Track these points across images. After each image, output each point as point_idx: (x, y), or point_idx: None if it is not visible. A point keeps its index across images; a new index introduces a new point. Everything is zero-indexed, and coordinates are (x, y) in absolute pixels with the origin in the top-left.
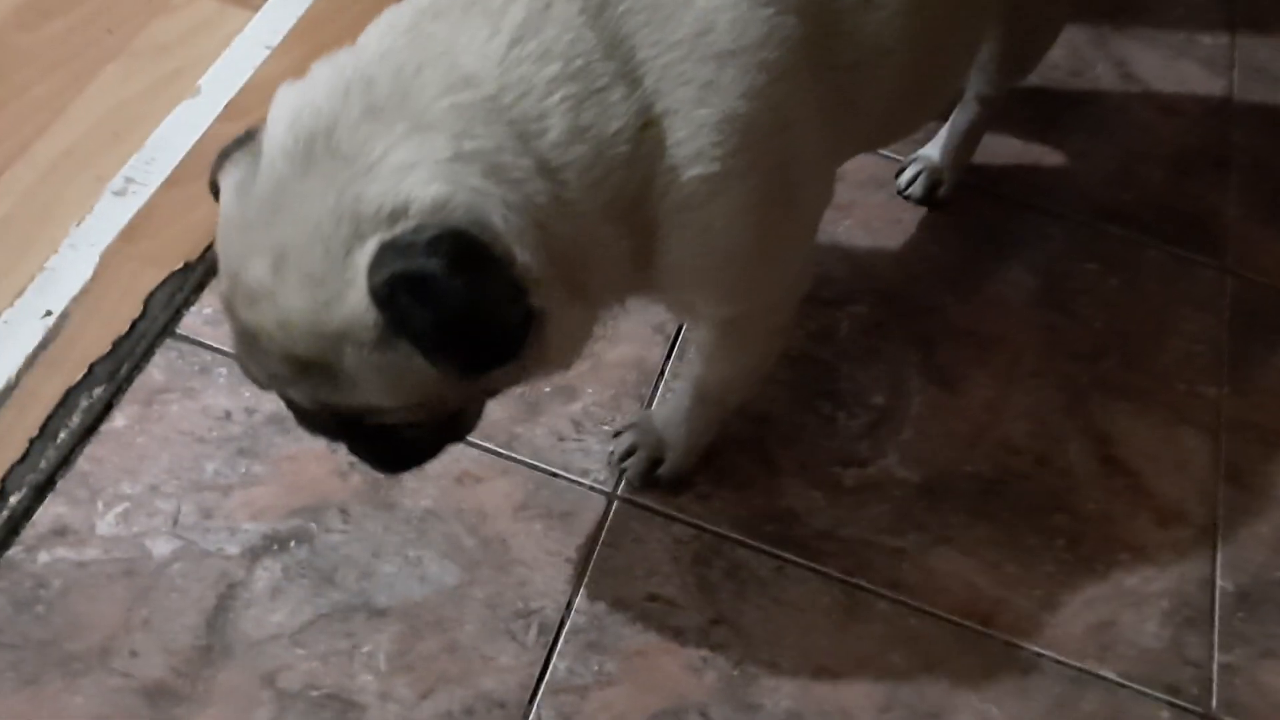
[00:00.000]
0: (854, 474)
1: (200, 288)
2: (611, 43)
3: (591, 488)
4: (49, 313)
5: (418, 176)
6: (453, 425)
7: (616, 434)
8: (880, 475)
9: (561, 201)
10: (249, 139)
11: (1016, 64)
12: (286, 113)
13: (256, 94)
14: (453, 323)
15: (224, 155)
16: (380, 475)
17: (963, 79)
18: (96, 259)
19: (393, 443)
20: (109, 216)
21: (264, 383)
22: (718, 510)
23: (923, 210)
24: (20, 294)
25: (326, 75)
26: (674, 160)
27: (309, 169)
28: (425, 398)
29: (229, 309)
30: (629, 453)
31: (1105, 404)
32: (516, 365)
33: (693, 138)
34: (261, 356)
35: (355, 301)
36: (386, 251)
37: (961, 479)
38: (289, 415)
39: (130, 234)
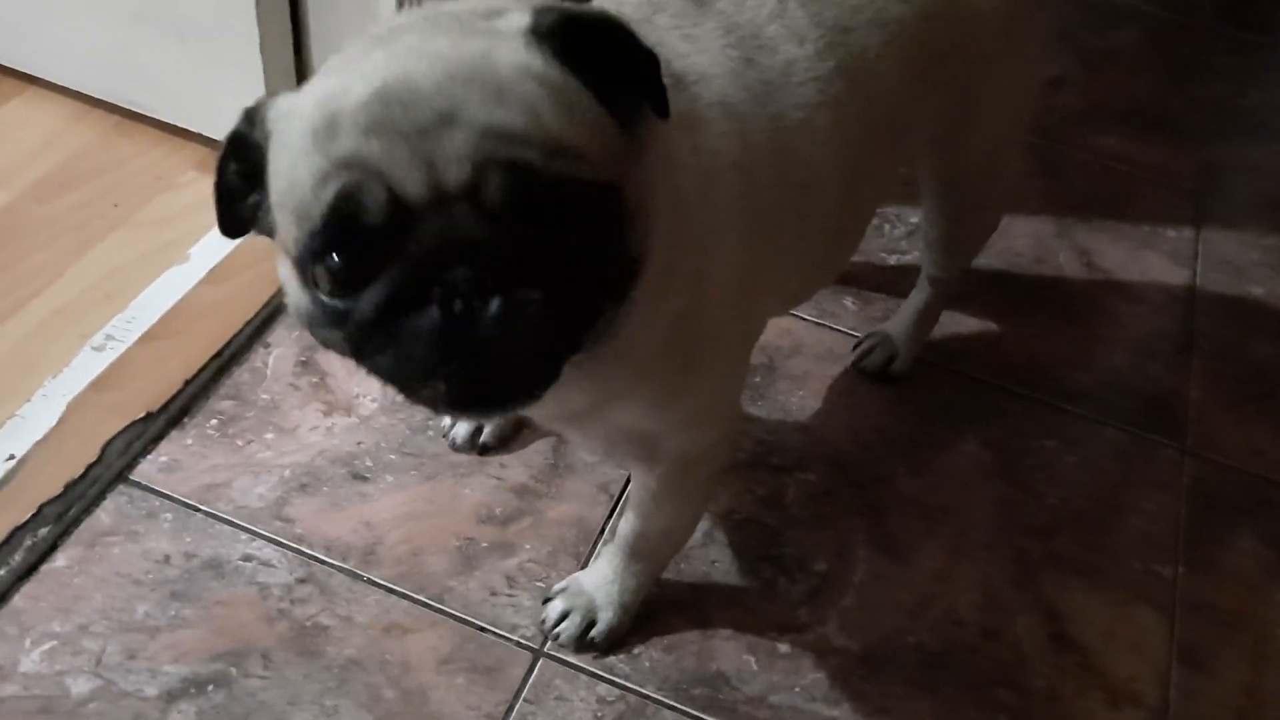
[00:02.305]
0: (790, 639)
1: (159, 438)
2: None
3: (519, 644)
4: (11, 456)
5: None
6: (607, 264)
7: (547, 599)
8: (818, 642)
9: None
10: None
11: (956, 246)
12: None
13: (239, 261)
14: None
15: (259, 109)
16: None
17: (854, 250)
18: (64, 408)
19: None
20: (83, 369)
21: (419, 182)
22: (646, 670)
23: (877, 384)
24: None
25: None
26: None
27: (436, 30)
28: (596, 145)
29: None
30: (561, 617)
31: (1058, 579)
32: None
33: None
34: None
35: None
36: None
37: (904, 649)
38: (227, 561)
39: (100, 385)
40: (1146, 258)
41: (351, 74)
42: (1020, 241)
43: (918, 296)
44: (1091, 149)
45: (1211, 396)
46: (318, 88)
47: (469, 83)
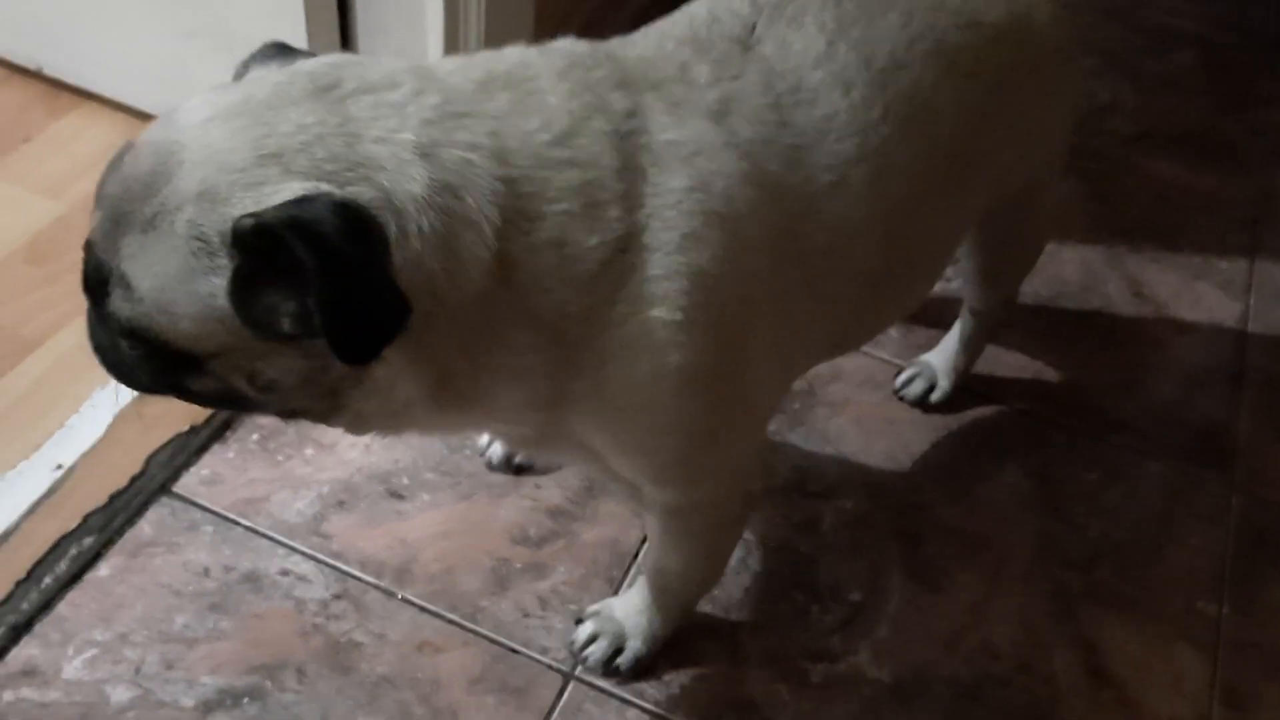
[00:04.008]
0: (823, 669)
1: (202, 450)
2: (626, 167)
3: (549, 665)
4: (60, 465)
5: (393, 159)
6: (179, 381)
7: (578, 620)
8: (850, 672)
9: (489, 293)
10: (283, 53)
11: (997, 277)
12: (339, 59)
13: None
14: (324, 280)
15: (263, 53)
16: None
17: (929, 287)
18: (111, 419)
19: (112, 339)
20: None
21: (92, 221)
22: (676, 696)
23: (918, 412)
24: (38, 447)
25: (391, 61)
26: (640, 293)
27: (320, 96)
28: (188, 334)
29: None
30: (590, 641)
31: (1096, 614)
32: (302, 360)
33: (665, 279)
34: (117, 182)
35: (232, 213)
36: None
37: (937, 681)
38: (265, 575)
39: (146, 398)
40: (1198, 288)
41: None
42: (1068, 269)
43: (960, 327)
44: (1143, 175)
45: (1262, 430)
46: None
47: (160, 204)
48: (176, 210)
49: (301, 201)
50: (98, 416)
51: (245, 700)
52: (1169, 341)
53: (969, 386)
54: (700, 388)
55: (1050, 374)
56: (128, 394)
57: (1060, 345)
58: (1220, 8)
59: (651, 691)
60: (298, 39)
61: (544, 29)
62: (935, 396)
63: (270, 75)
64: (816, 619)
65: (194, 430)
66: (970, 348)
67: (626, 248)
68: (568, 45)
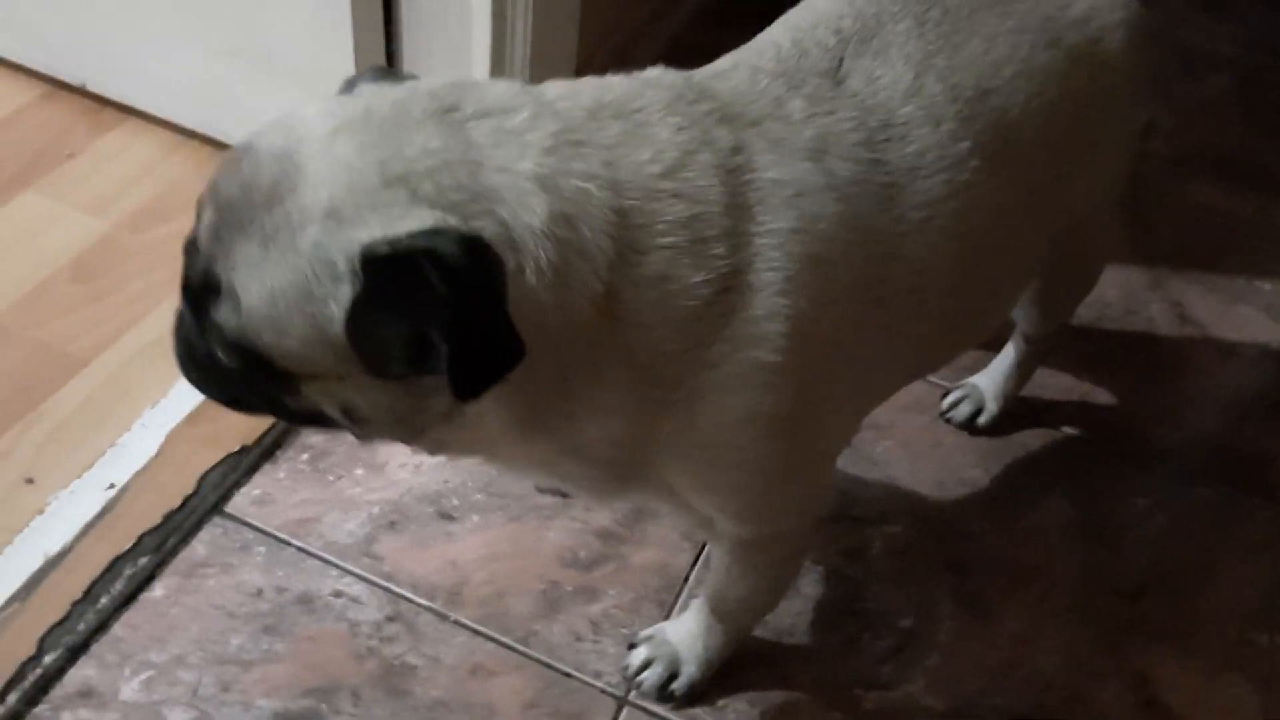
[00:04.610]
0: (875, 697)
1: (252, 470)
2: (733, 204)
3: (603, 690)
4: (112, 485)
5: (514, 190)
6: (273, 397)
7: (631, 645)
8: (903, 700)
9: (592, 325)
10: (390, 75)
11: (1054, 303)
12: (453, 79)
13: None
14: (449, 318)
15: (372, 73)
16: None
17: (1003, 317)
18: (162, 438)
19: (207, 347)
20: (180, 400)
21: (199, 222)
22: None
23: (964, 435)
24: (90, 466)
25: (506, 84)
26: (740, 333)
27: (440, 119)
28: (293, 354)
29: (236, 154)
30: (644, 666)
31: (1146, 644)
32: (402, 396)
33: (766, 320)
34: (236, 186)
35: (359, 237)
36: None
37: (990, 711)
38: (318, 596)
39: (196, 417)
40: (1241, 311)
41: None
42: (1111, 292)
43: (1011, 351)
44: (1182, 198)
45: None
46: None
47: (282, 218)
48: (300, 227)
49: (434, 233)
50: (149, 436)
51: None
52: (1213, 365)
53: (1014, 410)
54: (789, 428)
55: (1095, 398)
56: (178, 413)
57: (1104, 369)
58: (1255, 30)
59: (706, 718)
60: (344, 60)
61: (584, 50)
62: (982, 420)
63: (388, 91)
64: (867, 646)
65: (245, 450)
66: (1019, 373)
67: (730, 286)
68: (664, 76)
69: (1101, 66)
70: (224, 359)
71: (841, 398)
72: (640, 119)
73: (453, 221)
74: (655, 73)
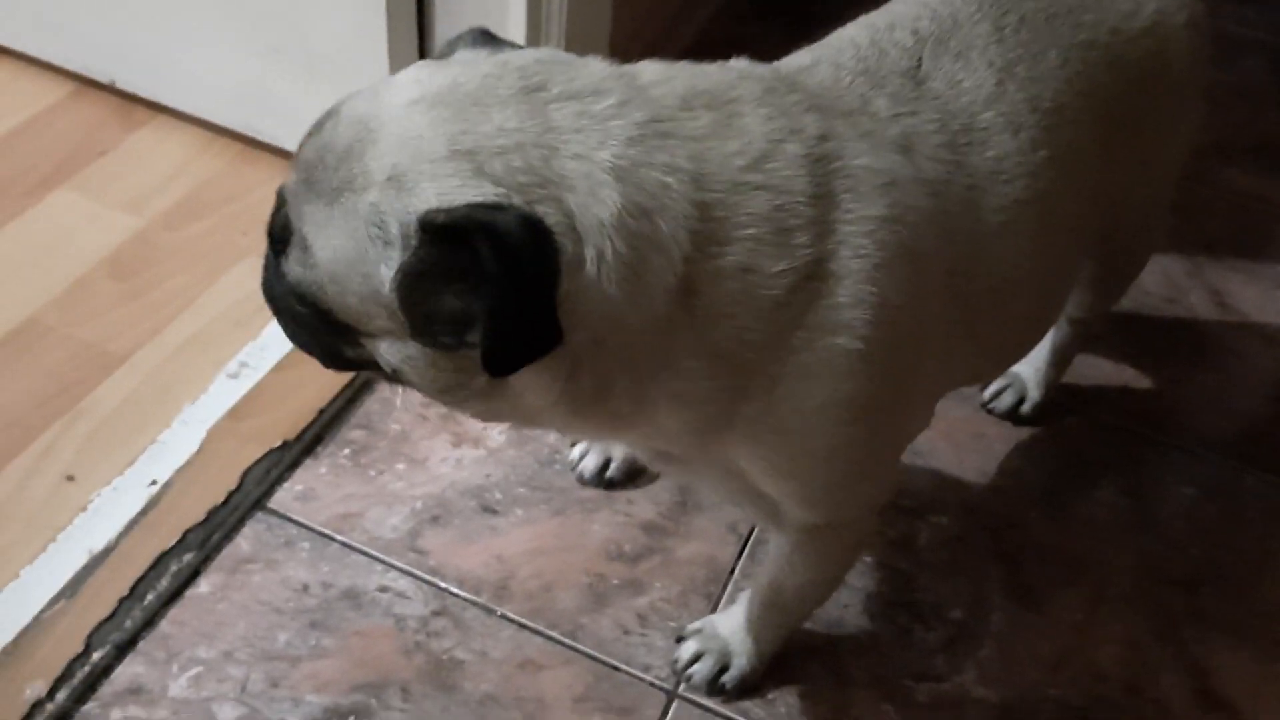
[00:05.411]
0: (928, 689)
1: (294, 465)
2: (818, 193)
3: (653, 684)
4: (154, 481)
5: (586, 179)
6: (334, 346)
7: (680, 639)
8: (956, 692)
9: (668, 317)
10: (491, 41)
11: (1106, 289)
12: (549, 54)
13: None
14: (488, 290)
15: (473, 36)
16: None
17: (1060, 315)
18: (203, 435)
19: (284, 292)
20: (220, 396)
21: (292, 171)
22: (782, 715)
23: (1008, 426)
24: (132, 463)
25: (600, 64)
26: (822, 320)
27: (525, 97)
28: (352, 310)
29: (338, 107)
30: (694, 659)
31: (1202, 634)
32: (449, 365)
33: (850, 308)
34: (315, 147)
35: (419, 202)
36: (497, 208)
37: (1045, 703)
38: (364, 591)
39: (237, 413)
40: None
41: None
42: (1150, 279)
43: (1054, 336)
44: (1220, 186)
45: None
46: None
47: (354, 177)
48: (363, 190)
49: (494, 208)
50: (190, 432)
51: (351, 719)
52: (1255, 352)
53: (1056, 399)
54: (866, 417)
55: (1138, 386)
56: (219, 409)
57: (1145, 357)
58: None
59: (757, 711)
60: (378, 58)
61: (615, 44)
62: (1026, 409)
63: (480, 64)
64: (919, 638)
65: (286, 445)
66: (1062, 359)
67: (813, 274)
68: (755, 68)
69: (1169, 71)
70: (295, 305)
71: (920, 389)
72: (733, 109)
73: (517, 201)
74: (743, 64)
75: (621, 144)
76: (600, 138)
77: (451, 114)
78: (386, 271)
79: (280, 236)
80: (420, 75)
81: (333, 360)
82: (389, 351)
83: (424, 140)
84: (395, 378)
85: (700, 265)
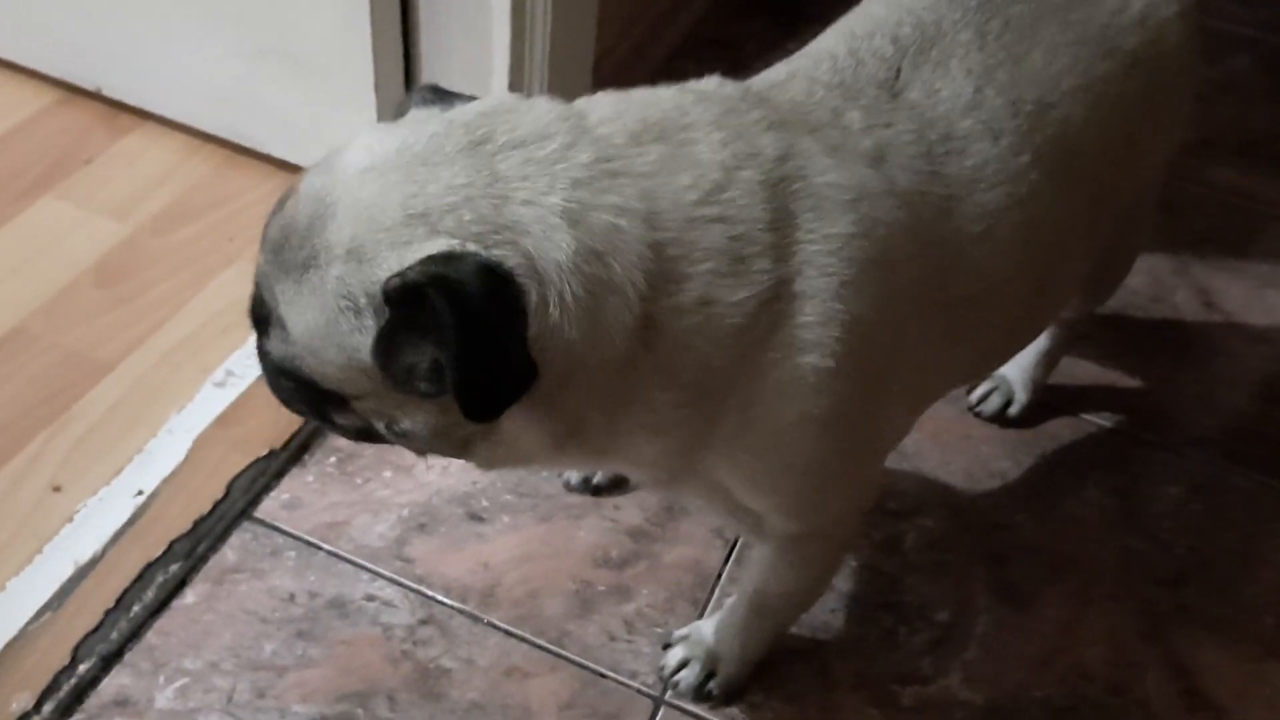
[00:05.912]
0: (913, 692)
1: (281, 474)
2: (777, 217)
3: (639, 690)
4: (140, 491)
5: (540, 223)
6: (327, 413)
7: (667, 645)
8: (941, 695)
9: (630, 354)
10: (442, 97)
11: (1094, 287)
12: (494, 105)
13: None
14: (458, 338)
15: (423, 95)
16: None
17: (1056, 318)
18: (190, 443)
19: (277, 378)
20: (207, 405)
21: (260, 252)
22: None
23: (993, 427)
24: (118, 473)
25: (545, 108)
26: (793, 339)
27: (471, 152)
28: (334, 378)
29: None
30: (681, 665)
31: (1187, 633)
32: (438, 415)
33: (819, 326)
34: (278, 227)
35: (380, 272)
36: (446, 257)
37: (1030, 704)
38: (350, 600)
39: (223, 421)
40: (1269, 297)
41: None
42: (1136, 279)
43: (1041, 337)
44: (1207, 183)
45: None
46: None
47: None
48: (327, 266)
49: (448, 258)
50: (177, 441)
51: None
52: (1241, 351)
53: (1043, 400)
54: (842, 430)
55: (1124, 385)
56: (205, 417)
57: (1131, 356)
58: (1276, 11)
59: (743, 716)
60: (363, 59)
61: (603, 45)
62: (1013, 410)
63: (429, 123)
64: (905, 640)
65: (273, 454)
66: (1049, 360)
67: (778, 295)
68: (720, 88)
69: (1160, 65)
70: (282, 380)
71: (898, 399)
72: (684, 138)
73: (472, 248)
74: (712, 83)
75: (569, 187)
76: (548, 183)
77: (401, 177)
78: (363, 339)
79: (259, 317)
80: (371, 141)
81: (333, 427)
82: (382, 411)
83: (377, 208)
84: (391, 438)
85: (658, 303)
